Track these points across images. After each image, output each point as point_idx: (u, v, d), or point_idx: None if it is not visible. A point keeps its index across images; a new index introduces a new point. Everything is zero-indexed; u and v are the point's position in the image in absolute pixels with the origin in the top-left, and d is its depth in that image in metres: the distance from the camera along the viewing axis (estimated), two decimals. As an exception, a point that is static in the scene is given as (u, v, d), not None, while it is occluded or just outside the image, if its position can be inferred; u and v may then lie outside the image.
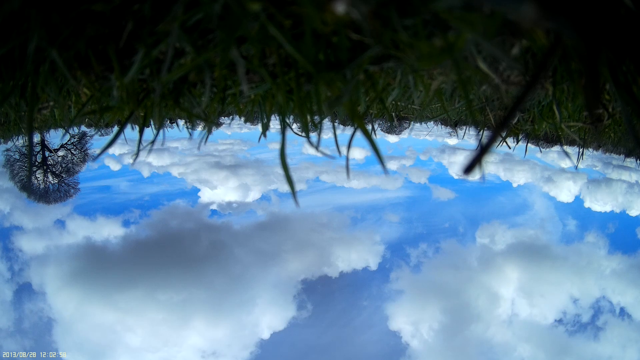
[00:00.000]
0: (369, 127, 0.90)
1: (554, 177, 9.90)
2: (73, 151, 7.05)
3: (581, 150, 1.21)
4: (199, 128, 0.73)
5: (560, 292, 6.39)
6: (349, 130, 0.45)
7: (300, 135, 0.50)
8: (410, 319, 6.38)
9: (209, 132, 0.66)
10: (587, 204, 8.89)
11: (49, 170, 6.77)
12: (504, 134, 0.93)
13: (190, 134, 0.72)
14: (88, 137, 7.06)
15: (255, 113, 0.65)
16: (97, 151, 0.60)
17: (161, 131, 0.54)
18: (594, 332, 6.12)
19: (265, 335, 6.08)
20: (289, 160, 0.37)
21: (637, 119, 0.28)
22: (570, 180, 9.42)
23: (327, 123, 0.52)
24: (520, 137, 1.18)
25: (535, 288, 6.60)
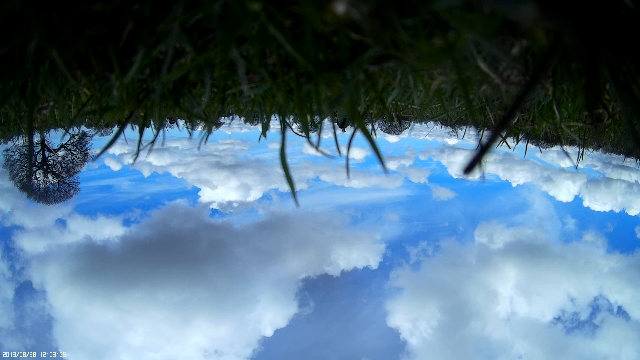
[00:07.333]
0: (369, 127, 0.90)
1: (553, 177, 9.90)
2: (73, 151, 7.05)
3: (581, 150, 1.21)
4: (199, 128, 0.73)
5: (558, 290, 6.41)
6: (348, 130, 0.45)
7: (300, 135, 0.50)
8: (410, 317, 6.40)
9: (209, 132, 0.66)
10: (586, 204, 8.89)
11: (49, 170, 6.76)
12: (504, 134, 0.93)
13: (190, 134, 0.72)
14: (88, 137, 7.06)
15: (255, 113, 0.65)
16: (97, 151, 0.60)
17: (161, 131, 0.54)
18: (592, 330, 6.14)
19: (268, 332, 6.09)
20: (289, 160, 0.37)
21: (637, 119, 0.28)
22: (569, 180, 9.42)
23: (327, 123, 0.52)
24: (520, 137, 1.18)
25: (534, 286, 6.62)
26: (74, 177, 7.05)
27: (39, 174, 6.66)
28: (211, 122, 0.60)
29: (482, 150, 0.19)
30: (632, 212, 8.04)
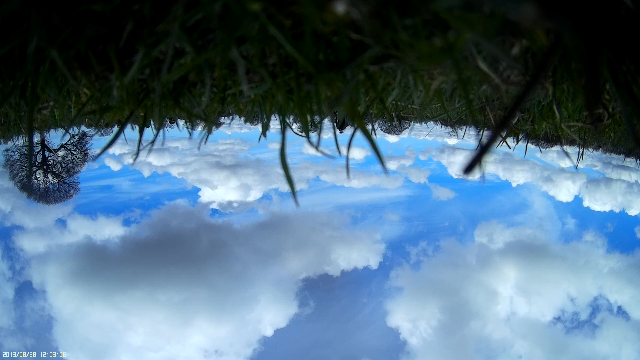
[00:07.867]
0: (369, 127, 0.90)
1: (553, 177, 9.90)
2: (73, 151, 7.05)
3: (581, 150, 1.21)
4: (199, 128, 0.73)
5: (558, 290, 6.41)
6: (348, 130, 0.45)
7: (300, 135, 0.50)
8: (410, 316, 6.41)
9: (209, 132, 0.66)
10: (586, 203, 8.90)
11: (49, 170, 6.77)
12: (504, 134, 0.93)
13: (190, 134, 0.72)
14: (88, 137, 7.06)
15: (255, 113, 0.65)
16: (97, 151, 0.60)
17: (161, 131, 0.55)
18: (592, 330, 6.15)
19: (268, 332, 6.10)
20: (289, 160, 0.37)
21: (637, 119, 0.28)
22: (569, 180, 9.42)
23: (327, 123, 0.52)
24: (520, 137, 1.18)
25: (534, 286, 6.62)
26: (74, 177, 7.06)
27: (39, 174, 6.66)
28: (211, 122, 0.60)
29: (482, 150, 0.19)
30: (632, 212, 8.04)
